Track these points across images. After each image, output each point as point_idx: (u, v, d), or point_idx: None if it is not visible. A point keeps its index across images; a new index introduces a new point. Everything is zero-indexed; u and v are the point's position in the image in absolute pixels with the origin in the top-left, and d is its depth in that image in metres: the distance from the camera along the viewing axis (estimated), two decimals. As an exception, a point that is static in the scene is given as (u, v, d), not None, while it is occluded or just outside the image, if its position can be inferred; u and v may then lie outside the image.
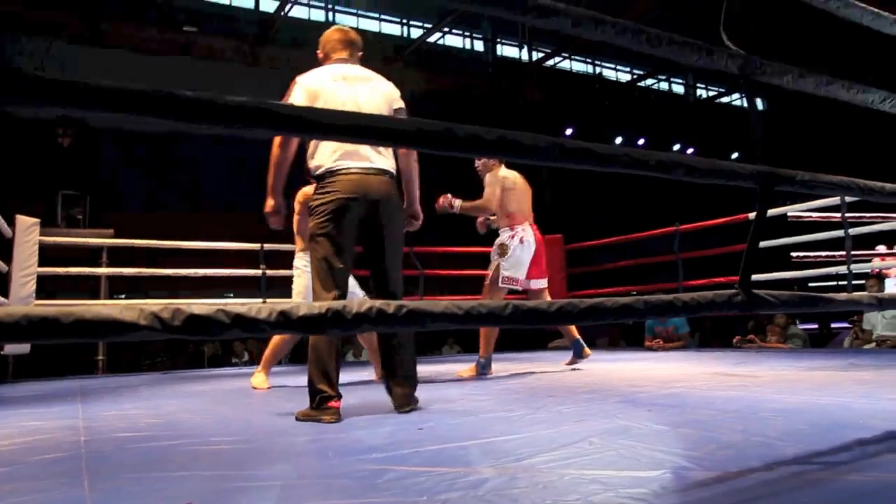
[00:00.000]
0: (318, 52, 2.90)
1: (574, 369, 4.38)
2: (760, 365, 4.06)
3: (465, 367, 4.29)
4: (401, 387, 2.60)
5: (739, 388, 2.91)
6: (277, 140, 2.66)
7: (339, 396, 2.50)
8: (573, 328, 4.50)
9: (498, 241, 4.34)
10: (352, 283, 3.74)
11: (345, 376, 4.61)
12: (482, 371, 4.20)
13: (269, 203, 2.76)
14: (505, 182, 4.32)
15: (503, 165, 4.38)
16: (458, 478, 1.45)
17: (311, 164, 2.65)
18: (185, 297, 6.54)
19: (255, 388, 3.88)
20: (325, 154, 2.59)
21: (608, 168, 1.25)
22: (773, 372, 3.59)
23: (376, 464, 1.62)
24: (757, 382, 3.12)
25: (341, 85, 2.65)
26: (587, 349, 4.51)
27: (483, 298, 4.33)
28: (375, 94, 2.69)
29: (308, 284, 3.94)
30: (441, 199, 4.24)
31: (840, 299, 1.63)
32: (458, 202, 4.25)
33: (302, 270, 4.02)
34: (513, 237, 4.28)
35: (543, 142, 1.09)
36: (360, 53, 2.90)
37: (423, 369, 4.88)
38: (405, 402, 2.57)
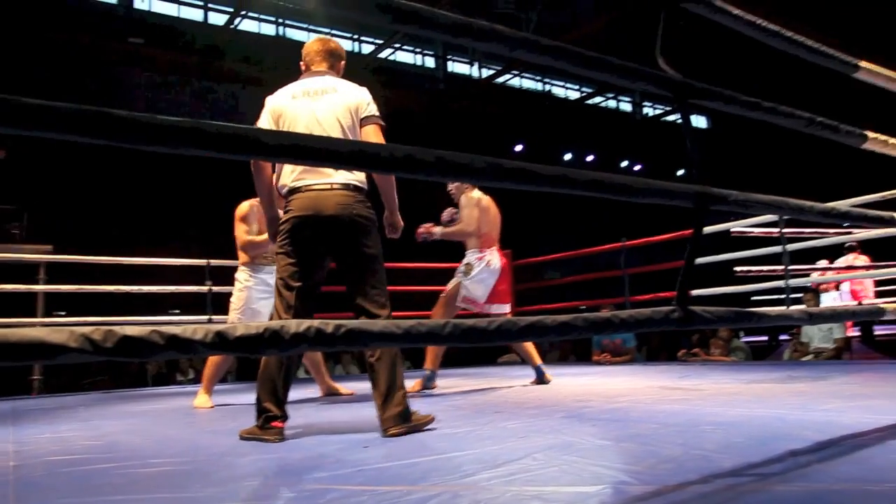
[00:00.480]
0: (301, 63, 2.87)
1: (524, 385, 4.41)
2: (704, 378, 4.14)
3: (409, 383, 4.21)
4: (383, 409, 2.43)
5: (682, 402, 2.97)
6: (252, 167, 2.66)
7: (285, 417, 2.46)
8: (533, 353, 4.48)
9: (466, 260, 4.35)
10: None
11: (293, 393, 4.56)
12: (427, 385, 4.19)
13: (269, 232, 2.79)
14: (480, 203, 4.35)
15: (476, 188, 4.39)
16: (400, 496, 1.44)
17: (278, 182, 2.64)
18: (131, 316, 6.37)
19: (197, 408, 3.80)
20: (287, 172, 2.58)
21: (546, 188, 1.27)
22: (716, 385, 3.67)
23: (319, 483, 1.61)
24: (699, 396, 3.19)
25: (302, 101, 2.63)
26: (548, 376, 4.47)
27: (435, 312, 4.34)
28: (336, 106, 2.62)
29: (247, 299, 3.93)
30: (421, 229, 4.25)
31: (772, 314, 1.68)
32: (437, 229, 4.30)
33: (243, 285, 3.98)
34: (480, 259, 4.31)
35: (481, 162, 1.11)
36: (342, 63, 2.88)
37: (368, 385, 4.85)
38: (390, 423, 2.39)
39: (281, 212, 2.66)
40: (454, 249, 4.56)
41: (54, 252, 7.28)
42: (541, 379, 4.44)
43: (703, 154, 1.60)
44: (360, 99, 2.67)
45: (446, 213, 4.33)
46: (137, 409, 3.95)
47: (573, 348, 9.40)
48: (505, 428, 2.41)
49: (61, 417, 3.51)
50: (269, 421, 2.42)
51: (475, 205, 4.31)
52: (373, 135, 2.60)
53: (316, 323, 1.01)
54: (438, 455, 1.93)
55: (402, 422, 2.39)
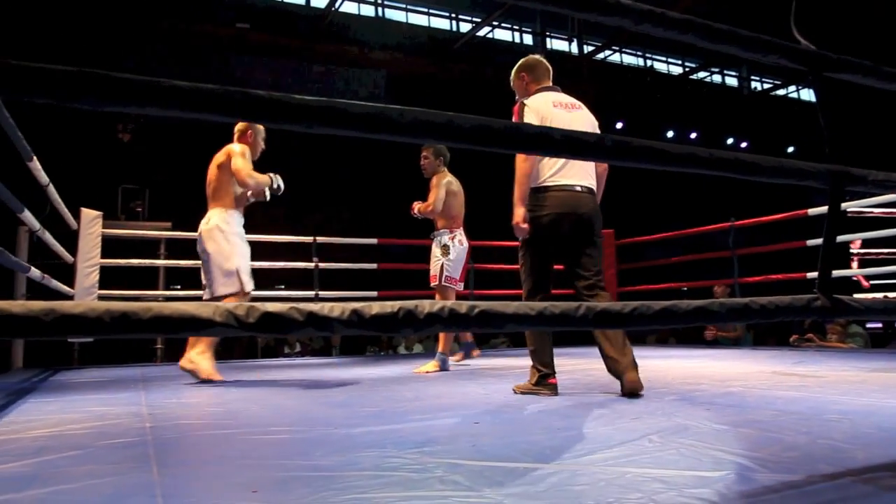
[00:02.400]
0: (523, 74, 3.24)
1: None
2: (821, 365, 3.96)
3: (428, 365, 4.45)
4: (625, 373, 2.79)
5: (800, 389, 2.85)
6: (521, 156, 2.98)
7: (554, 374, 2.98)
8: (449, 339, 4.65)
9: (440, 241, 4.67)
10: None
11: (395, 367, 4.67)
12: (444, 367, 4.42)
13: (519, 213, 3.02)
14: (450, 186, 4.67)
15: (447, 171, 4.77)
16: (518, 473, 1.45)
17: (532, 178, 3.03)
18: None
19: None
20: (545, 171, 3.00)
21: (672, 167, 1.24)
22: (835, 372, 3.50)
23: (435, 456, 1.64)
24: (818, 383, 3.05)
25: (561, 111, 3.05)
26: (477, 350, 5.25)
27: (439, 299, 4.41)
28: (585, 121, 3.11)
29: (239, 251, 4.00)
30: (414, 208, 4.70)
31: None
32: (417, 205, 4.68)
33: (235, 231, 4.02)
34: (452, 238, 4.66)
35: (610, 140, 1.09)
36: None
37: (474, 363, 4.91)
38: (631, 387, 2.75)
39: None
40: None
41: (173, 228, 7.70)
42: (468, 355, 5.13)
43: (840, 130, 1.51)
44: (594, 119, 3.19)
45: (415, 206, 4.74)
46: (251, 378, 4.14)
47: (672, 331, 9.16)
48: (615, 409, 2.38)
49: (184, 385, 3.73)
50: (545, 378, 2.94)
51: (444, 187, 4.63)
52: None
53: (449, 304, 1.03)
54: (551, 433, 1.93)
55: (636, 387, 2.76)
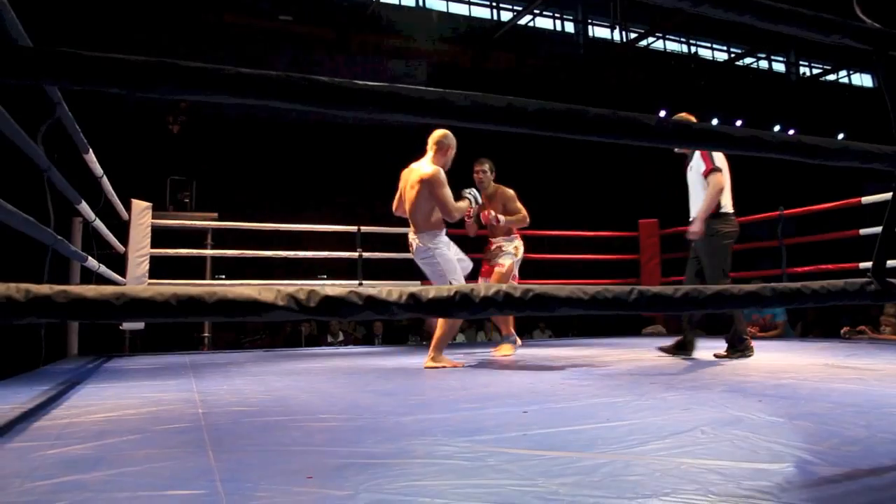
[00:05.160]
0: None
1: (673, 359, 4.29)
2: (875, 358, 3.85)
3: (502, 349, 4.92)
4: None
5: (856, 382, 2.78)
6: (722, 181, 4.16)
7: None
8: (510, 321, 5.07)
9: (513, 243, 4.96)
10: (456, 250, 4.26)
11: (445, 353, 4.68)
12: (516, 345, 4.98)
13: (697, 227, 4.14)
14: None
15: None
16: (570, 462, 1.45)
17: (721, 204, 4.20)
18: (277, 280, 6.76)
19: (432, 367, 3.93)
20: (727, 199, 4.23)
21: (735, 151, 1.21)
22: (892, 365, 3.40)
23: (486, 445, 1.64)
24: (875, 376, 2.97)
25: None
26: (519, 340, 5.17)
27: None
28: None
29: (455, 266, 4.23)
30: (489, 215, 4.80)
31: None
32: (502, 218, 4.82)
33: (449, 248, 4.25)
34: (520, 243, 5.05)
35: (672, 125, 1.07)
36: None
37: (519, 353, 4.91)
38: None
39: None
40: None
41: (219, 219, 7.84)
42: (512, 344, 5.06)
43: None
44: None
45: (490, 218, 4.82)
46: (298, 366, 4.20)
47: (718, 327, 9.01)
48: (664, 399, 2.36)
49: (233, 372, 3.80)
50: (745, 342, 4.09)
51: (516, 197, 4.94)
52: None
53: (504, 287, 1.02)
54: (601, 423, 1.91)
55: None
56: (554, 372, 3.48)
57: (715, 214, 4.15)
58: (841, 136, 16.16)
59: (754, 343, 4.28)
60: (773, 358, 4.07)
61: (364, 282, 6.25)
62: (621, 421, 1.93)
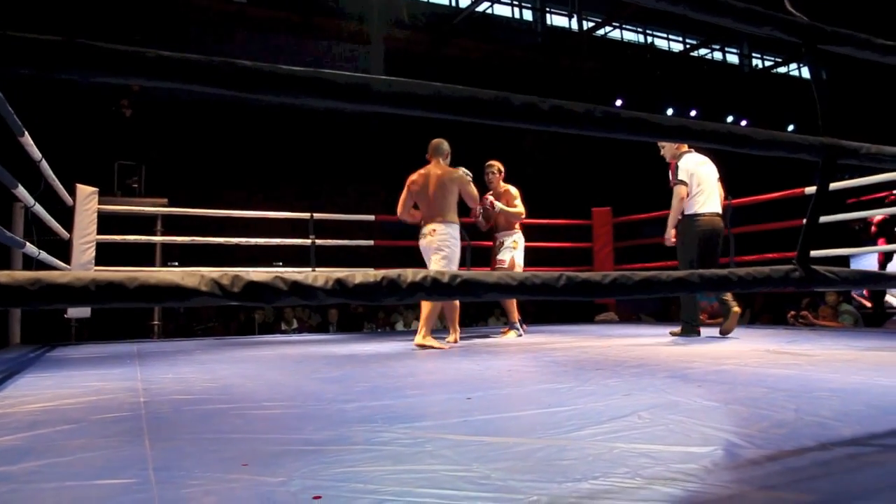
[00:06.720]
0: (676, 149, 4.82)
1: (624, 344, 4.37)
2: (814, 343, 3.97)
3: (508, 334, 5.39)
4: None
5: (793, 367, 2.86)
6: (683, 192, 4.69)
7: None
8: (514, 308, 5.52)
9: (513, 238, 5.47)
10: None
11: (392, 344, 4.69)
12: (520, 333, 5.39)
13: (668, 234, 4.83)
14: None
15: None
16: (507, 448, 1.46)
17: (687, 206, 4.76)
18: (234, 267, 6.67)
19: (423, 346, 4.30)
20: (696, 202, 4.75)
21: (665, 140, 1.23)
22: (828, 351, 3.51)
23: (425, 431, 1.65)
24: (810, 361, 3.06)
25: (705, 167, 4.80)
26: (524, 328, 5.63)
27: None
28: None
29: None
30: (487, 200, 5.26)
31: (903, 277, 1.58)
32: (498, 204, 5.33)
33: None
34: (520, 238, 5.55)
35: (600, 112, 1.08)
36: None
37: (471, 342, 4.93)
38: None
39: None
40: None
41: (169, 205, 7.68)
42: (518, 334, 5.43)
43: (831, 105, 1.50)
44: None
45: (486, 202, 5.26)
46: (247, 354, 4.15)
47: (671, 314, 9.19)
48: (607, 385, 2.39)
49: (180, 360, 3.74)
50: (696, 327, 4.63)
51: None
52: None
53: (432, 273, 1.03)
54: (542, 409, 1.94)
55: None
56: (501, 358, 3.50)
57: (683, 217, 4.76)
58: (791, 127, 16.57)
59: (709, 331, 4.59)
60: (718, 345, 4.16)
61: (317, 269, 6.21)
62: (562, 407, 1.96)
